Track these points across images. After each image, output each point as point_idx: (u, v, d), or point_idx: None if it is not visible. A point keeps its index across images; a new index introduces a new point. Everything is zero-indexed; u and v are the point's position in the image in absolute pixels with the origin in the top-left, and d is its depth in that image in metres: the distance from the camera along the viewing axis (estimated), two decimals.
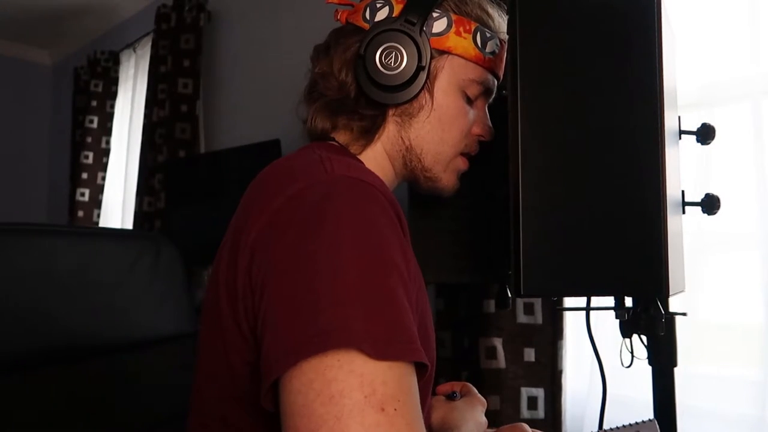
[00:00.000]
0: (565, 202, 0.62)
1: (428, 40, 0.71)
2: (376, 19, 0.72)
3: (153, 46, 2.67)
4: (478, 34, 0.74)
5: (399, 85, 0.70)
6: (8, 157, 3.66)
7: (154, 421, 1.00)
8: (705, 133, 0.81)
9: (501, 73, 0.80)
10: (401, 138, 0.75)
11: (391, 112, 0.74)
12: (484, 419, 0.82)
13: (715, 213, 0.78)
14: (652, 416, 0.76)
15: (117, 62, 3.17)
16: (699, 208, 0.79)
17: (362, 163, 0.72)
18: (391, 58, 0.69)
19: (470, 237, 0.94)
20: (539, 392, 1.29)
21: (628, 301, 0.76)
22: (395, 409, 0.46)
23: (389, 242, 0.54)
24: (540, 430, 0.82)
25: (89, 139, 3.17)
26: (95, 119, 3.18)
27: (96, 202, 3.17)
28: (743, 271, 1.15)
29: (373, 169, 0.69)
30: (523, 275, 0.61)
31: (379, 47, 0.70)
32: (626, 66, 0.62)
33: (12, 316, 0.85)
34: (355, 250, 0.51)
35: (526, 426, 0.77)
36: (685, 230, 0.82)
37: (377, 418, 0.45)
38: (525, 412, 1.29)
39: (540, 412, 1.29)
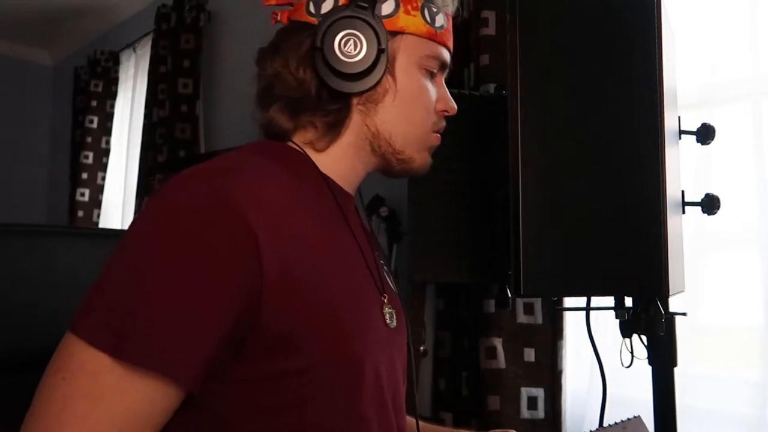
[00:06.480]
0: (565, 202, 0.62)
1: (381, 22, 0.70)
2: (323, 11, 0.71)
3: (153, 46, 2.67)
4: (426, 10, 0.73)
5: (362, 71, 0.69)
6: (8, 157, 3.66)
7: None
8: (705, 133, 0.81)
9: (451, 46, 0.78)
10: (366, 126, 0.74)
11: (355, 102, 0.73)
12: None
13: (715, 213, 0.78)
14: (638, 413, 0.77)
15: (117, 62, 3.16)
16: (699, 208, 0.79)
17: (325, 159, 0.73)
18: (350, 45, 0.69)
19: (470, 237, 0.94)
20: (539, 392, 1.29)
21: (628, 301, 0.76)
22: (64, 379, 0.54)
23: (191, 259, 0.56)
24: (540, 430, 0.82)
25: (89, 139, 3.17)
26: (95, 119, 3.18)
27: (96, 202, 3.17)
28: (743, 271, 1.15)
29: (337, 167, 0.72)
30: (523, 275, 0.61)
31: (336, 36, 0.69)
32: (626, 66, 0.63)
33: (12, 316, 0.85)
34: (142, 255, 0.57)
35: None
36: (685, 230, 0.82)
37: (53, 381, 0.55)
38: (525, 412, 1.28)
39: (540, 412, 1.28)
